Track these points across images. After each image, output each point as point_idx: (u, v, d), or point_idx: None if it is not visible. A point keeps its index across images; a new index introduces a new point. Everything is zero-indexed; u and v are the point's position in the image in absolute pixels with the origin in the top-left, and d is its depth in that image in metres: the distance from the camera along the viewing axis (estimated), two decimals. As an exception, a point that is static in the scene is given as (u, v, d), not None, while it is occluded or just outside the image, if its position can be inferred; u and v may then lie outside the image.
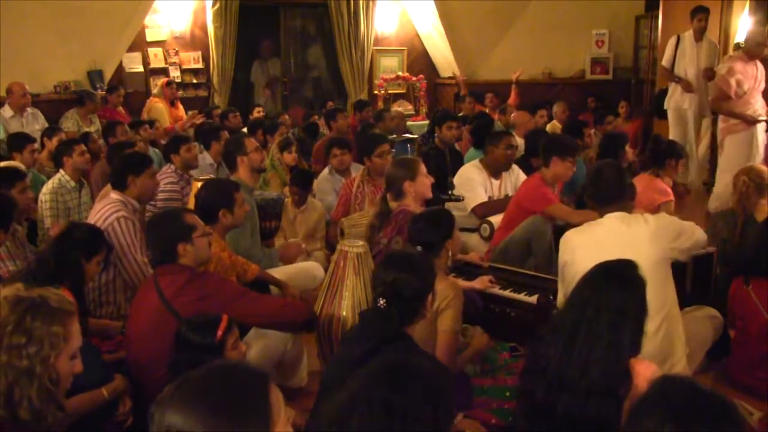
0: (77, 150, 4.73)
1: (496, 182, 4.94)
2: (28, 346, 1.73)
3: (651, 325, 2.68)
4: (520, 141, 6.22)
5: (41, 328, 1.75)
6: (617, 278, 2.16)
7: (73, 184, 4.67)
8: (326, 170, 5.44)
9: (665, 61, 7.30)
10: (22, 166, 4.55)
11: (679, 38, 7.12)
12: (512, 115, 7.14)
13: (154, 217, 3.06)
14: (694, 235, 2.99)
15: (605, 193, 3.02)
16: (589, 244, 2.87)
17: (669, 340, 2.78)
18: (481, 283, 3.70)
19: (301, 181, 4.86)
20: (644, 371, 2.06)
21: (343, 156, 5.28)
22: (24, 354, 1.72)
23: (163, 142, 7.04)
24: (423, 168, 3.71)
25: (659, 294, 2.79)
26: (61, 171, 4.70)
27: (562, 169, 4.27)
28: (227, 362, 1.37)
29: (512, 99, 8.42)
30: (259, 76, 9.99)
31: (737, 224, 3.91)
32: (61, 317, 1.79)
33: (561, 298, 3.11)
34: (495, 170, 4.93)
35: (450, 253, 3.08)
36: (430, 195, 3.79)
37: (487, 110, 8.15)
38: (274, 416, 1.28)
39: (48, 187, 4.58)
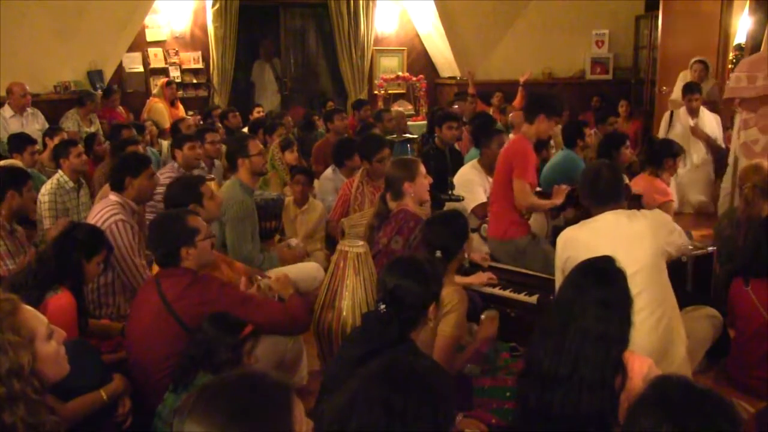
0: (74, 152, 4.69)
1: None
2: None
3: (652, 318, 2.70)
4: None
5: None
6: (597, 273, 2.18)
7: (71, 184, 4.66)
8: (329, 170, 5.39)
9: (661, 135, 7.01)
10: (23, 166, 4.54)
11: (672, 114, 6.89)
12: (510, 115, 7.14)
13: (157, 218, 3.03)
14: (682, 234, 3.06)
15: (603, 193, 3.01)
16: (593, 239, 2.87)
17: (670, 334, 2.79)
18: (478, 278, 3.70)
19: (305, 175, 4.86)
20: (639, 367, 2.07)
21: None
22: None
23: (162, 141, 7.06)
24: (422, 169, 3.69)
25: (661, 286, 2.80)
26: (60, 171, 4.69)
27: (546, 128, 4.17)
28: (250, 372, 1.30)
29: (518, 101, 8.41)
30: (263, 77, 9.95)
31: (742, 226, 3.88)
32: (6, 321, 1.69)
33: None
34: (491, 169, 4.92)
35: (466, 254, 3.07)
36: (427, 198, 3.77)
37: (492, 110, 8.16)
38: (296, 430, 1.24)
39: (47, 187, 4.57)
